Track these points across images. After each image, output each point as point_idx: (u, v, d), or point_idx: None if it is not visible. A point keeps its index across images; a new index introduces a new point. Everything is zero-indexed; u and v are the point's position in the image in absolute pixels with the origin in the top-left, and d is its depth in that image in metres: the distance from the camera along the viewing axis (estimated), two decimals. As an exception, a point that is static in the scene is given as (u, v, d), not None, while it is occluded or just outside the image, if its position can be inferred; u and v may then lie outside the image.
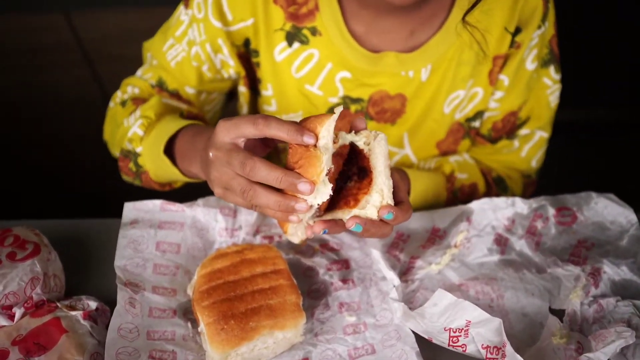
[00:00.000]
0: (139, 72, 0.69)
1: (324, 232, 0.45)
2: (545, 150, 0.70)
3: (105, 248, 0.59)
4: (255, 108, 0.73)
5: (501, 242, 0.58)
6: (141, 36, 1.18)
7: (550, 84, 0.65)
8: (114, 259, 0.53)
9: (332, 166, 0.43)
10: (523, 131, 0.68)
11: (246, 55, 0.66)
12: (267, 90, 0.68)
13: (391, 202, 0.43)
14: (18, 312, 0.49)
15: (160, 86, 0.67)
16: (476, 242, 0.57)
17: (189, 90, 0.67)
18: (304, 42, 0.63)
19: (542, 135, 0.68)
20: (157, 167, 0.59)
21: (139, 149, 0.60)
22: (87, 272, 0.58)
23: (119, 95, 0.69)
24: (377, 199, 0.43)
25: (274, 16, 0.63)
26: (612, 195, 0.59)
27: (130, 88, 0.68)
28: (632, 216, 0.56)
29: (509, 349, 0.43)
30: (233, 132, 0.44)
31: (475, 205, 0.59)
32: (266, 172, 0.42)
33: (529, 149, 0.69)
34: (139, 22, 1.17)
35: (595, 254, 0.55)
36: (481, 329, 0.43)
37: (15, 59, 1.23)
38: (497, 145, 0.69)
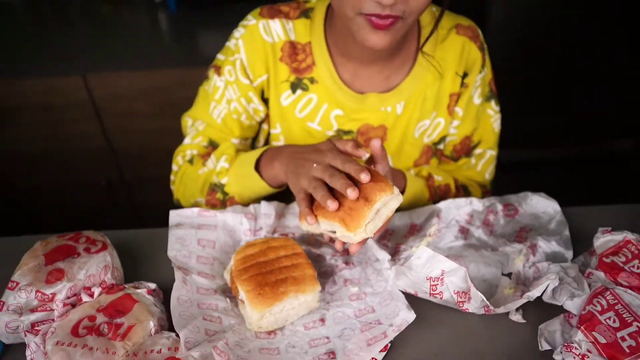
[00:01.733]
0: (188, 140, 0.85)
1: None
2: (495, 165, 0.90)
3: (144, 250, 0.73)
4: (267, 142, 0.90)
5: (464, 232, 0.75)
6: (146, 93, 1.38)
7: (493, 114, 0.86)
8: (153, 260, 0.68)
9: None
10: (477, 151, 0.87)
11: (265, 101, 0.84)
12: (276, 129, 0.85)
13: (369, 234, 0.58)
14: (96, 291, 0.62)
15: (212, 144, 0.83)
16: (445, 232, 0.74)
17: (234, 141, 0.83)
18: (305, 89, 0.81)
19: (492, 153, 0.88)
20: (243, 187, 0.76)
21: (224, 180, 0.77)
22: (136, 271, 0.71)
23: (179, 162, 0.85)
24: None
25: (281, 71, 0.81)
26: (542, 193, 0.77)
27: (189, 152, 0.84)
28: (557, 207, 0.75)
29: (473, 290, 0.59)
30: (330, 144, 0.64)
31: (442, 204, 0.76)
32: (347, 166, 0.59)
33: (482, 164, 0.88)
34: (145, 82, 1.35)
35: (532, 235, 0.72)
36: (452, 277, 0.59)
37: (33, 116, 1.37)
38: (459, 163, 0.88)
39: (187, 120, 0.87)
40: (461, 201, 0.76)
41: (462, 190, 0.86)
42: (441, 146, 0.87)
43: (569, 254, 0.69)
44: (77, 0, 1.63)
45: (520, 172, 1.43)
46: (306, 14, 0.80)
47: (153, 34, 1.49)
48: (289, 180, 0.68)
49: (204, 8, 1.54)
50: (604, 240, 0.65)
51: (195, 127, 0.85)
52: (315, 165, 0.61)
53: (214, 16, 1.50)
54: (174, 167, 0.87)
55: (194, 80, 1.33)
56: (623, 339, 0.54)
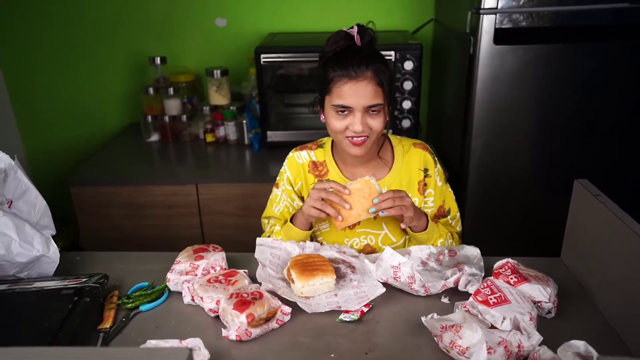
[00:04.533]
0: (267, 229, 1.44)
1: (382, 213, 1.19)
2: (460, 220, 1.42)
3: (237, 260, 1.29)
4: None
5: (423, 263, 1.26)
6: (234, 199, 2.03)
7: (450, 191, 1.40)
8: (242, 263, 1.24)
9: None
10: (451, 214, 1.39)
11: (302, 198, 1.43)
12: None
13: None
14: (217, 268, 1.18)
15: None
16: (407, 262, 1.26)
17: None
18: None
19: (458, 214, 1.40)
20: (288, 236, 1.29)
21: (279, 237, 1.32)
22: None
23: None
24: None
25: (309, 178, 1.40)
26: (473, 246, 1.29)
27: (267, 235, 1.41)
28: (478, 251, 1.26)
29: (417, 276, 1.10)
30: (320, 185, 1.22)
31: (412, 248, 1.28)
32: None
33: (455, 222, 1.40)
34: (235, 191, 2.02)
35: (463, 265, 1.23)
36: (405, 267, 1.11)
37: (156, 210, 2.04)
38: (441, 221, 1.39)
39: (264, 221, 1.47)
40: (424, 247, 1.29)
41: (449, 235, 1.36)
42: None
43: (482, 274, 1.19)
44: (187, 144, 2.42)
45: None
46: (321, 146, 1.42)
47: (242, 162, 2.21)
48: (305, 216, 1.25)
49: (274, 149, 2.27)
50: (497, 263, 1.16)
51: (270, 223, 1.44)
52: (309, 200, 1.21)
53: (278, 153, 2.21)
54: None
55: (262, 191, 2.00)
56: (491, 298, 1.03)
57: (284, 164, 1.43)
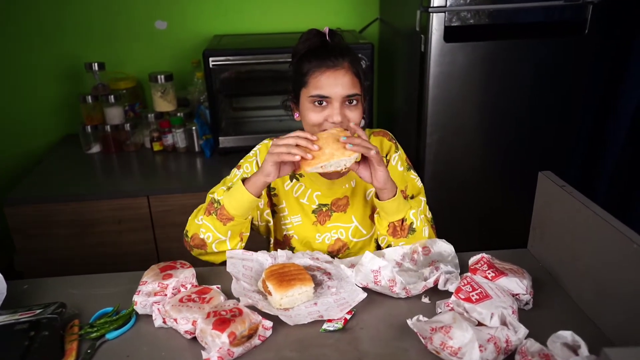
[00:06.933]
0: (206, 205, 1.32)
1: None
2: (428, 207, 1.38)
3: (208, 275, 1.22)
4: (275, 217, 1.41)
5: (399, 264, 1.25)
6: (190, 209, 1.93)
7: (414, 177, 1.37)
8: (212, 279, 1.17)
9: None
10: (414, 198, 1.36)
11: (268, 190, 1.36)
12: (282, 204, 1.37)
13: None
14: (188, 286, 1.10)
15: None
16: (387, 265, 1.24)
17: None
18: (297, 179, 1.35)
19: (423, 199, 1.35)
20: (231, 197, 1.16)
21: (220, 197, 1.18)
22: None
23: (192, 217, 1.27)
24: None
25: None
26: (444, 240, 1.29)
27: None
28: (452, 248, 1.27)
29: (397, 278, 1.09)
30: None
31: (385, 250, 1.27)
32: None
33: (422, 206, 1.35)
34: (190, 201, 1.93)
35: (437, 263, 1.23)
36: (385, 271, 1.09)
37: (103, 227, 1.91)
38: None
39: (209, 196, 1.31)
40: (397, 248, 1.28)
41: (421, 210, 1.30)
42: None
43: (457, 271, 1.20)
44: (133, 154, 2.29)
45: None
46: None
47: (194, 171, 2.12)
48: (267, 161, 1.11)
49: (227, 155, 2.20)
50: (472, 259, 1.17)
51: (213, 199, 1.25)
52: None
53: (231, 159, 2.14)
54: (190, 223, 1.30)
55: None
56: (473, 295, 1.03)
57: (256, 148, 1.35)
